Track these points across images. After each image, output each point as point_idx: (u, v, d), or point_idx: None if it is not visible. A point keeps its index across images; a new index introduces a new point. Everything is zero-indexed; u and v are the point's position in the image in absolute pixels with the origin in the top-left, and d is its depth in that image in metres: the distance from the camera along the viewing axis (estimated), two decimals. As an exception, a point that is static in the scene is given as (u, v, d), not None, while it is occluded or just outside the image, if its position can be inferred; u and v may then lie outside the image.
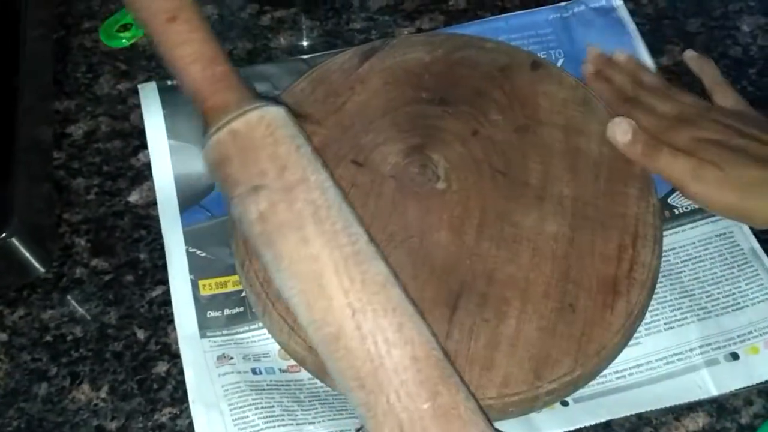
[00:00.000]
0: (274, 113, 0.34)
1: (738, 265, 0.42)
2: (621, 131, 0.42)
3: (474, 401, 0.32)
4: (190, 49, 0.35)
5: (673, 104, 0.45)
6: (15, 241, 0.38)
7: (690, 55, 0.49)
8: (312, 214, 0.32)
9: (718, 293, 0.42)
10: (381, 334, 0.31)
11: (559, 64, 0.50)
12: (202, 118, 0.35)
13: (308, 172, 0.33)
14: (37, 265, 0.40)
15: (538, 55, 0.49)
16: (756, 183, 0.40)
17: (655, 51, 0.51)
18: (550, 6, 0.53)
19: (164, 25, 0.35)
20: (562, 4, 0.53)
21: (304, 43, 0.51)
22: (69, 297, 0.41)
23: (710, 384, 0.39)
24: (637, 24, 0.52)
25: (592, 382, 0.38)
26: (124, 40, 0.50)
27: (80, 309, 0.41)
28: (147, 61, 0.50)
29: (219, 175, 0.34)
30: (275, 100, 0.35)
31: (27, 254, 0.39)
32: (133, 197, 0.44)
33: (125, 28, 0.50)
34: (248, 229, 0.33)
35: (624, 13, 0.53)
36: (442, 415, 0.30)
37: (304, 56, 0.49)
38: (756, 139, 0.42)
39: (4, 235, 0.38)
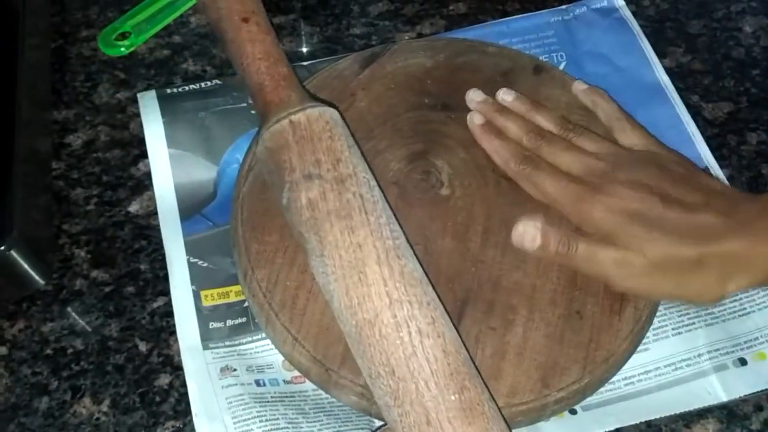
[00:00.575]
0: (332, 113, 0.37)
1: (745, 269, 0.42)
2: (529, 239, 0.38)
3: (496, 404, 0.33)
4: (260, 47, 0.39)
5: (577, 156, 0.40)
6: (14, 253, 0.38)
7: (580, 88, 0.44)
8: (359, 206, 0.34)
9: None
10: (415, 324, 0.32)
11: (561, 67, 0.49)
12: (261, 110, 0.38)
13: (359, 169, 0.35)
14: (36, 277, 0.40)
15: (541, 58, 0.49)
16: (686, 266, 0.36)
17: (657, 53, 0.50)
18: (552, 9, 0.52)
19: (239, 23, 0.39)
20: (564, 6, 0.53)
21: (304, 50, 0.51)
22: (69, 309, 0.41)
23: (719, 390, 0.38)
24: (639, 26, 0.52)
25: (601, 390, 0.38)
26: (122, 49, 0.50)
27: (81, 321, 0.40)
28: (146, 70, 0.49)
29: (274, 161, 0.36)
30: (331, 104, 0.38)
31: (26, 267, 0.39)
32: (134, 207, 0.44)
33: (123, 36, 0.50)
34: (295, 214, 0.35)
35: (627, 13, 0.52)
36: (468, 408, 0.31)
37: (305, 63, 0.49)
38: (679, 201, 0.37)
39: (3, 248, 0.37)
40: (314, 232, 0.34)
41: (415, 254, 0.35)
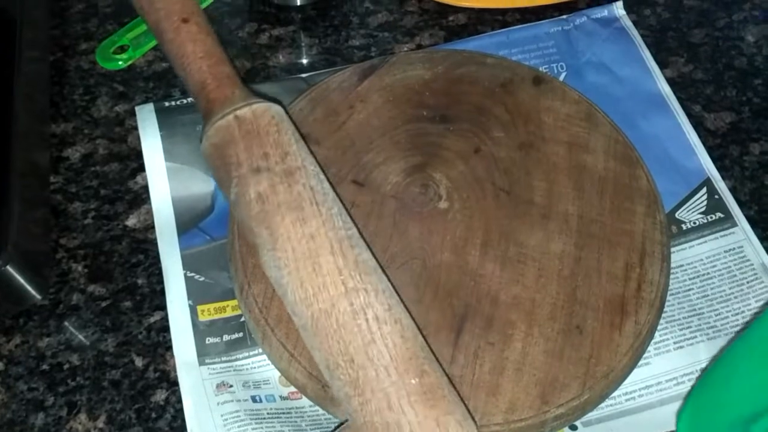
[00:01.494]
0: (278, 109, 0.37)
1: (747, 282, 0.42)
2: None
3: (456, 390, 0.33)
4: (201, 47, 0.38)
5: None
6: (11, 269, 0.37)
7: None
8: (310, 197, 0.34)
9: (727, 312, 0.41)
10: (372, 312, 0.32)
11: (561, 77, 0.49)
12: (204, 108, 0.37)
13: (307, 162, 0.35)
14: (33, 292, 0.40)
15: (541, 69, 0.48)
16: None
17: (658, 63, 0.50)
18: (551, 19, 0.52)
19: (178, 23, 0.38)
20: (564, 16, 0.52)
21: (303, 61, 0.51)
22: (66, 324, 0.40)
23: (722, 404, 0.38)
24: (640, 36, 0.51)
25: (601, 405, 0.37)
26: (120, 62, 0.49)
27: (77, 336, 0.40)
28: (144, 83, 0.49)
29: (220, 156, 0.36)
30: (276, 101, 0.37)
31: (23, 282, 0.39)
32: (131, 221, 0.44)
33: (122, 49, 0.50)
34: (244, 209, 0.34)
35: (628, 23, 0.52)
36: (429, 392, 0.31)
37: (303, 74, 0.49)
38: None
39: (-1, 263, 0.37)
40: (265, 226, 0.34)
41: (362, 238, 0.35)
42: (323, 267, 0.32)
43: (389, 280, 0.34)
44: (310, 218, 0.33)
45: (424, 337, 0.33)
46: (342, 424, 0.33)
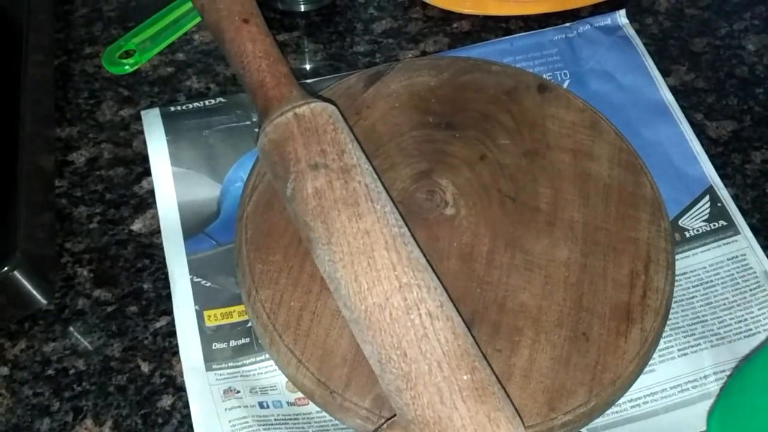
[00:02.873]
0: (333, 109, 0.38)
1: (750, 290, 0.42)
2: None
3: (504, 389, 0.33)
4: (260, 47, 0.39)
5: None
6: (17, 274, 0.37)
7: None
8: (365, 194, 0.35)
9: (731, 319, 0.41)
10: (425, 307, 0.32)
11: (565, 85, 0.49)
12: (262, 106, 0.38)
13: (362, 161, 0.36)
14: (39, 297, 0.40)
15: (544, 76, 0.49)
16: None
17: (660, 71, 0.50)
18: (555, 27, 0.52)
19: (239, 23, 0.40)
20: (567, 24, 0.53)
21: (308, 67, 0.51)
22: (71, 329, 0.40)
23: (726, 411, 0.38)
24: (643, 44, 0.52)
25: (607, 412, 0.37)
26: (126, 67, 0.49)
27: (83, 341, 0.40)
28: (150, 87, 0.49)
29: (278, 152, 0.36)
30: (332, 101, 0.38)
31: (29, 287, 0.39)
32: (137, 225, 0.44)
33: (128, 54, 0.50)
34: (301, 204, 0.35)
35: (631, 31, 0.52)
36: (480, 388, 0.31)
37: (308, 80, 0.49)
38: None
39: (6, 269, 0.37)
40: (321, 221, 0.34)
41: (413, 236, 0.35)
42: (378, 262, 0.33)
43: (439, 279, 0.35)
44: (366, 214, 0.34)
45: (473, 335, 0.34)
46: (389, 419, 0.33)
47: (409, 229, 0.36)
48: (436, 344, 0.32)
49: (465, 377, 0.31)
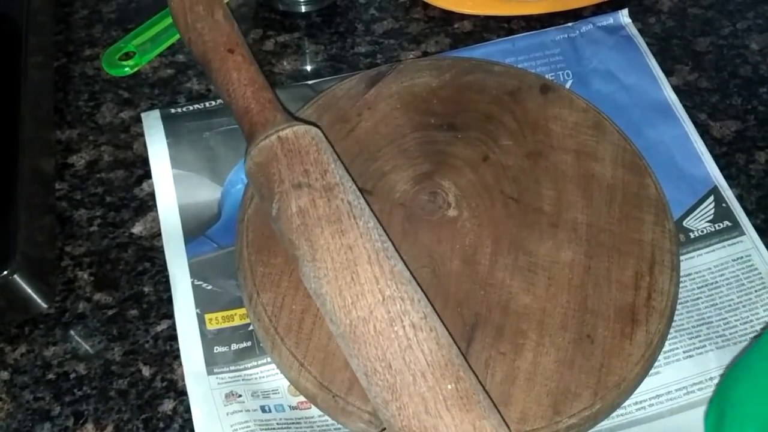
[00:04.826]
0: (316, 131, 0.39)
1: (755, 291, 0.41)
2: None
3: (490, 397, 0.33)
4: (245, 75, 0.41)
5: None
6: (17, 278, 0.37)
7: None
8: (348, 211, 0.35)
9: (736, 320, 0.41)
10: (408, 319, 0.33)
11: (567, 85, 0.49)
12: (247, 131, 0.40)
13: (344, 179, 0.37)
14: (39, 301, 0.39)
15: (547, 76, 0.48)
16: None
17: (663, 71, 0.50)
18: (557, 26, 0.52)
19: (224, 54, 0.41)
20: (570, 24, 0.52)
21: (309, 68, 0.51)
22: (72, 333, 0.40)
23: (731, 413, 0.38)
24: (646, 44, 0.51)
25: (612, 415, 0.37)
26: (126, 69, 0.49)
27: (84, 345, 0.40)
28: (150, 89, 0.49)
29: (263, 174, 0.37)
30: (315, 125, 0.39)
31: (29, 291, 0.38)
32: (137, 228, 0.44)
33: (128, 56, 0.50)
34: (286, 223, 0.36)
35: (633, 31, 0.52)
36: (465, 397, 0.31)
37: (309, 81, 0.49)
38: None
39: (6, 272, 0.37)
40: (305, 238, 0.35)
41: (397, 251, 0.36)
42: (361, 276, 0.33)
43: (423, 292, 0.35)
44: (348, 231, 0.34)
45: (458, 347, 0.34)
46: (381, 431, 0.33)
47: (393, 244, 0.36)
48: (420, 355, 0.32)
49: (449, 386, 0.31)
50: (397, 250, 0.36)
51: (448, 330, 0.34)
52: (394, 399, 0.31)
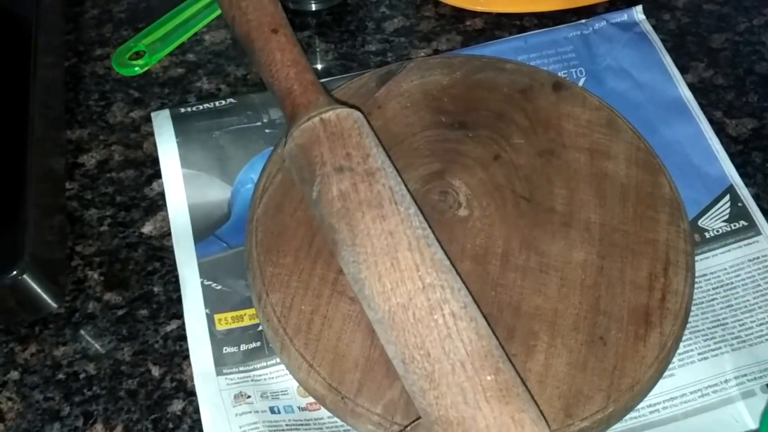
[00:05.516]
0: (359, 114, 0.38)
1: (772, 292, 0.41)
2: None
3: (528, 389, 0.33)
4: (289, 56, 0.40)
5: None
6: (27, 278, 0.37)
7: None
8: (389, 197, 0.35)
9: (752, 322, 0.40)
10: (449, 308, 0.32)
11: (580, 83, 0.48)
12: (289, 112, 0.39)
13: (386, 164, 0.36)
14: (49, 301, 0.39)
15: (559, 74, 0.48)
16: None
17: (678, 68, 0.49)
18: (570, 23, 0.52)
19: (268, 34, 0.41)
20: (582, 21, 0.52)
21: (319, 66, 0.50)
22: (82, 332, 0.40)
23: (746, 417, 0.37)
24: (660, 40, 0.51)
25: (625, 418, 0.37)
26: (137, 68, 0.49)
27: (93, 345, 0.40)
28: (160, 88, 0.49)
29: (305, 156, 0.37)
30: (357, 108, 0.39)
31: (39, 291, 0.38)
32: (147, 228, 0.43)
33: (138, 55, 0.50)
34: (326, 206, 0.35)
35: (647, 27, 0.51)
36: (505, 389, 0.31)
37: (320, 80, 0.48)
38: None
39: (15, 273, 0.37)
40: (345, 222, 0.34)
41: (437, 238, 0.35)
42: (401, 262, 0.33)
43: (463, 281, 0.34)
44: (390, 216, 0.34)
45: (497, 337, 0.33)
46: (413, 422, 0.33)
47: (433, 232, 0.35)
48: (460, 344, 0.31)
49: (489, 378, 0.31)
50: (437, 237, 0.35)
51: (487, 321, 0.34)
52: (431, 388, 0.31)
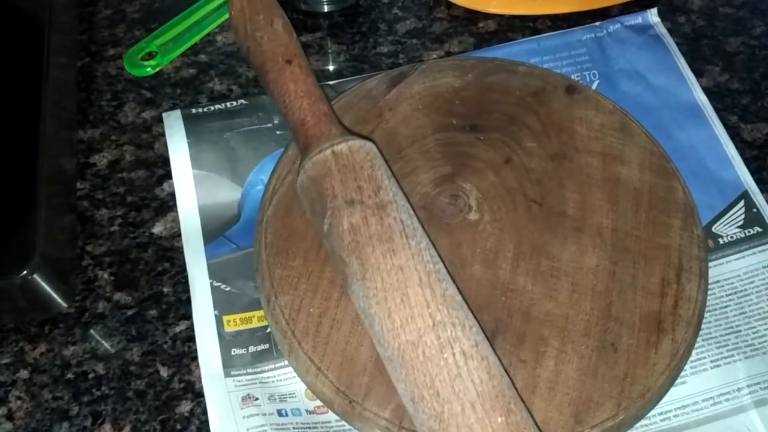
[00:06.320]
0: (371, 146, 0.38)
1: (787, 299, 0.40)
2: None
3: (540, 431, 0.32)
4: (303, 87, 0.40)
5: None
6: (37, 277, 0.37)
7: None
8: (400, 230, 0.34)
9: (766, 329, 0.39)
10: (459, 346, 0.32)
11: (594, 86, 0.48)
12: (302, 143, 0.39)
13: (398, 197, 0.36)
14: (59, 300, 0.40)
15: (573, 77, 0.47)
16: None
17: (693, 72, 0.49)
18: (584, 26, 0.51)
19: (282, 64, 0.41)
20: (597, 23, 0.51)
21: (331, 68, 0.50)
22: (92, 332, 0.40)
23: (759, 425, 0.37)
24: (675, 44, 0.50)
25: (636, 426, 0.36)
26: (148, 69, 0.49)
27: (103, 345, 0.40)
28: (172, 89, 0.49)
29: (316, 189, 0.37)
30: (369, 139, 0.38)
31: (49, 290, 0.38)
32: (157, 228, 0.43)
33: (150, 56, 0.50)
34: (337, 239, 0.35)
35: (662, 30, 0.51)
36: (515, 431, 0.30)
37: (331, 82, 0.48)
38: None
39: (25, 272, 0.37)
40: (356, 256, 0.34)
41: (453, 281, 0.35)
42: (411, 299, 0.32)
43: (475, 317, 0.34)
44: (400, 250, 0.34)
45: (510, 377, 0.33)
46: None
47: (445, 265, 0.35)
48: (470, 384, 0.31)
49: (499, 419, 0.30)
50: (448, 272, 0.35)
51: (500, 359, 0.33)
52: (441, 429, 0.31)
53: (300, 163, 0.38)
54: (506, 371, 0.33)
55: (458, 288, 0.34)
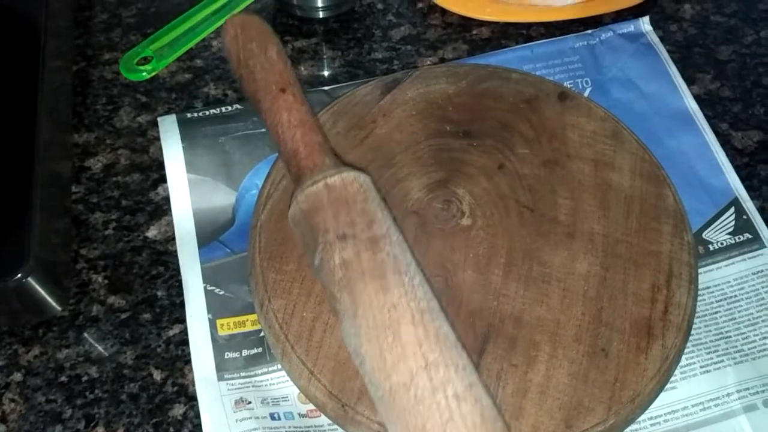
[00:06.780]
0: (365, 178, 0.37)
1: (776, 305, 0.41)
2: None
3: None
4: (296, 115, 0.39)
5: None
6: (31, 280, 0.37)
7: None
8: (393, 266, 0.33)
9: (755, 335, 0.40)
10: (452, 388, 0.31)
11: (586, 93, 0.48)
12: (295, 175, 0.38)
13: (391, 231, 0.35)
14: (53, 303, 0.40)
15: (565, 84, 0.48)
16: None
17: (685, 79, 0.49)
18: (577, 33, 0.52)
19: (276, 93, 0.40)
20: (589, 31, 0.52)
21: (325, 74, 0.51)
22: (85, 335, 0.40)
23: (748, 431, 0.37)
24: (667, 52, 0.51)
25: (626, 430, 0.37)
26: (144, 73, 0.49)
27: (96, 348, 0.40)
28: (167, 93, 0.49)
29: (308, 222, 0.36)
30: (363, 171, 0.38)
31: (43, 293, 0.39)
32: (152, 232, 0.44)
33: (145, 60, 0.50)
34: (328, 275, 0.34)
35: (654, 38, 0.51)
36: None
37: (325, 87, 0.49)
38: None
39: (19, 275, 0.37)
40: (347, 292, 0.33)
41: (443, 310, 0.34)
42: (403, 338, 0.31)
43: (469, 357, 0.33)
44: (392, 287, 0.33)
45: (504, 420, 0.32)
46: None
47: (439, 302, 0.34)
48: (463, 428, 0.30)
49: None
50: (443, 309, 0.34)
51: (493, 400, 0.32)
52: None
53: (292, 194, 0.37)
54: (502, 417, 0.32)
55: (453, 327, 0.34)
